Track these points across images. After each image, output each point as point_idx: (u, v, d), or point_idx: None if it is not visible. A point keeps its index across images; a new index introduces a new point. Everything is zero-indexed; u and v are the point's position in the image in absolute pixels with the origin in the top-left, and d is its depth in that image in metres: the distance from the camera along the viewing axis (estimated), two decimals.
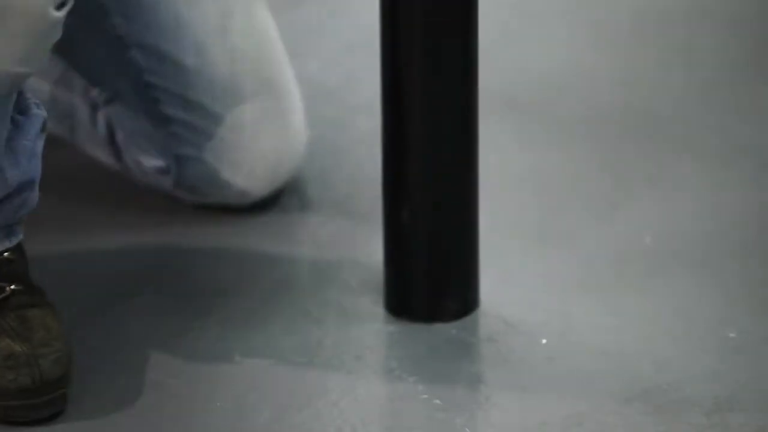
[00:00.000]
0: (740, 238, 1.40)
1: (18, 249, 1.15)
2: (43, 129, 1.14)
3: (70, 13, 0.97)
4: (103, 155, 1.37)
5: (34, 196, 1.15)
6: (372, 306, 1.28)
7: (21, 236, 1.16)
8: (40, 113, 1.13)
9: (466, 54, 1.20)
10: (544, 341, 1.24)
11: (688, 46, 1.73)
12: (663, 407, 1.15)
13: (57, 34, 0.98)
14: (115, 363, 1.24)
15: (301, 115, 1.34)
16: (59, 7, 0.95)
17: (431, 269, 1.25)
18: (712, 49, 1.73)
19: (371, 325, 1.26)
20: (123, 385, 1.20)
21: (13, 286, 1.13)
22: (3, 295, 1.13)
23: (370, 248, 1.32)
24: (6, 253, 1.14)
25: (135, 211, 1.42)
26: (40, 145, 1.14)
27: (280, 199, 1.41)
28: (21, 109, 1.11)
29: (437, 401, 1.17)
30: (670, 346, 1.24)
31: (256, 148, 1.28)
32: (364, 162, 1.45)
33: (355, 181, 1.45)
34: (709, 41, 1.75)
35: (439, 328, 1.25)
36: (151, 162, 1.32)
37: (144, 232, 1.39)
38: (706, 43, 1.75)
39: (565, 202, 1.46)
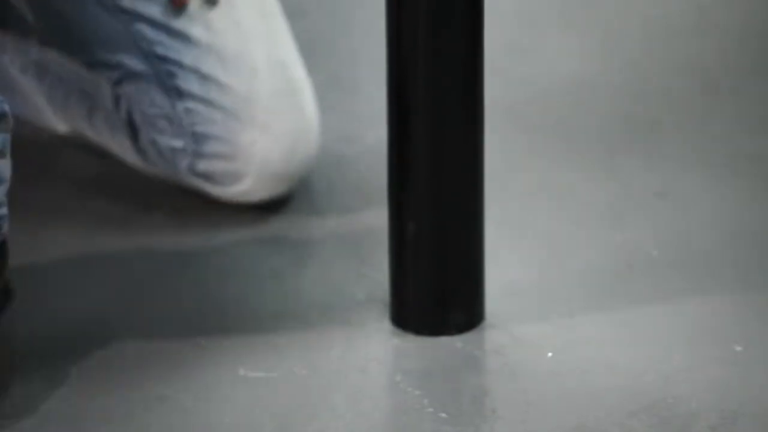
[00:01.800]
0: (747, 249, 1.40)
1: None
2: (2, 120, 1.06)
3: None
4: (118, 139, 1.33)
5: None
6: (378, 319, 1.28)
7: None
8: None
9: (472, 65, 1.19)
10: (549, 354, 1.24)
11: (695, 57, 1.73)
12: (669, 420, 1.15)
13: None
14: (118, 376, 1.24)
15: (313, 103, 1.32)
16: None
17: (437, 282, 1.25)
18: (718, 60, 1.73)
19: (377, 338, 1.26)
20: (127, 398, 1.20)
21: None
22: None
23: (376, 261, 1.32)
24: None
25: (138, 220, 1.42)
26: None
27: (285, 211, 1.41)
28: None
29: (443, 414, 1.16)
30: (676, 358, 1.24)
31: (271, 127, 1.26)
32: (370, 174, 1.45)
33: (361, 193, 1.45)
34: (716, 51, 1.75)
35: (445, 341, 1.25)
36: (168, 142, 1.29)
37: (146, 243, 1.39)
38: (713, 54, 1.74)
39: (570, 213, 1.46)
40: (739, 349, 1.24)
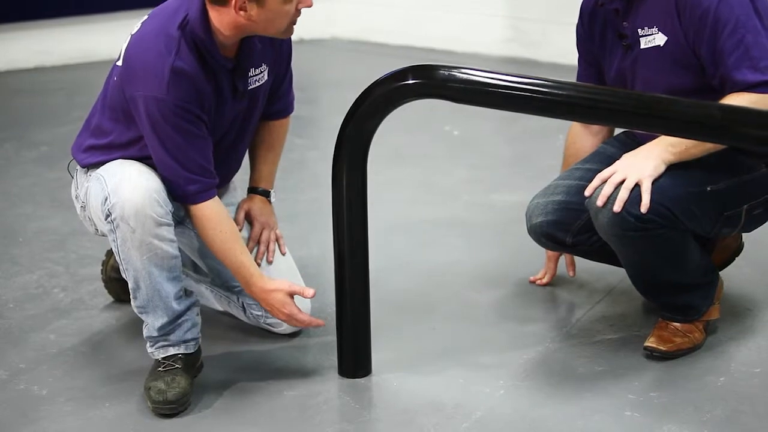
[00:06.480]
0: None
1: None
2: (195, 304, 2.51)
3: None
4: (238, 312, 2.68)
5: None
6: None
7: None
8: None
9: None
10: None
11: None
12: None
13: None
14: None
15: (308, 304, 2.64)
16: None
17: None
18: None
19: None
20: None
21: None
22: None
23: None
24: None
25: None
26: None
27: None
28: None
29: None
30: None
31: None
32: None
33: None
34: None
35: None
36: (256, 313, 2.64)
37: None
38: None
39: None
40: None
